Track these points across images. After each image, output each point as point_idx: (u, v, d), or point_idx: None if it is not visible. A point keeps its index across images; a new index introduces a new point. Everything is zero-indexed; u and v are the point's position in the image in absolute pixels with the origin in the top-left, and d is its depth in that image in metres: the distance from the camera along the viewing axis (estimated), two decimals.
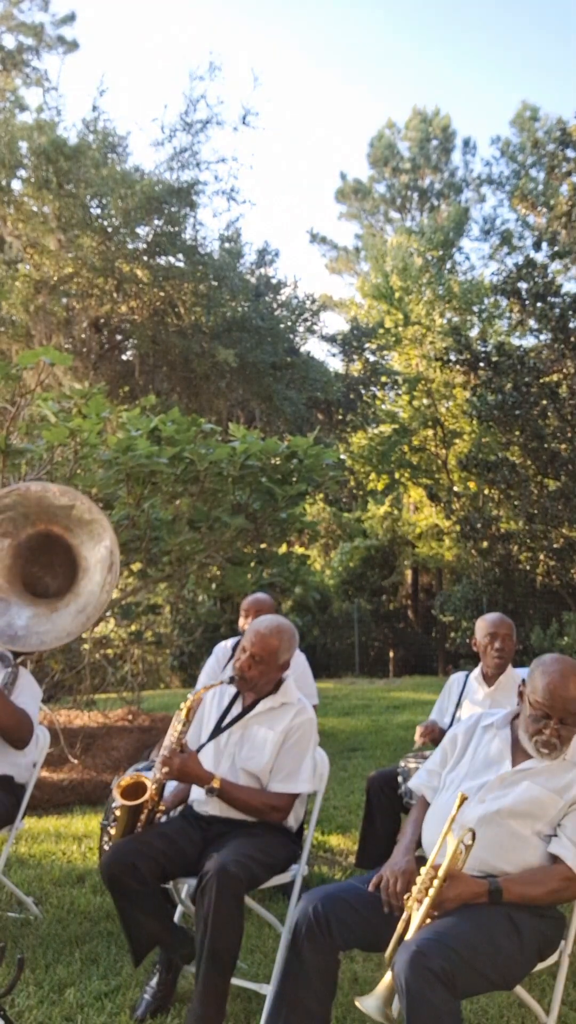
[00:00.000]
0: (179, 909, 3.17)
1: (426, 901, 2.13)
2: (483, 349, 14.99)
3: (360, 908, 2.33)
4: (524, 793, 2.35)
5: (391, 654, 19.64)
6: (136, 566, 6.43)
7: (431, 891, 2.13)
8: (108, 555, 3.73)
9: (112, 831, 3.34)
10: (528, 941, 2.19)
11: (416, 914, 2.14)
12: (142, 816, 2.91)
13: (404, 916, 2.19)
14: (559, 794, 2.35)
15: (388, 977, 2.08)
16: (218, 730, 3.05)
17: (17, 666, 3.57)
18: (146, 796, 2.88)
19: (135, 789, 2.92)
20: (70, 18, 20.03)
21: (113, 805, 3.30)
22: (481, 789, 2.40)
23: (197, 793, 2.98)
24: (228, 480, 5.81)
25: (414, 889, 2.18)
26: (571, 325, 13.75)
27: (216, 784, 2.84)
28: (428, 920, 2.13)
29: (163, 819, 3.03)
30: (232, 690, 3.13)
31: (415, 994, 1.94)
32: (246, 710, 3.05)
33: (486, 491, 15.60)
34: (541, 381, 13.67)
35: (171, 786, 3.32)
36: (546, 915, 2.31)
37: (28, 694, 3.50)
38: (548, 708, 2.36)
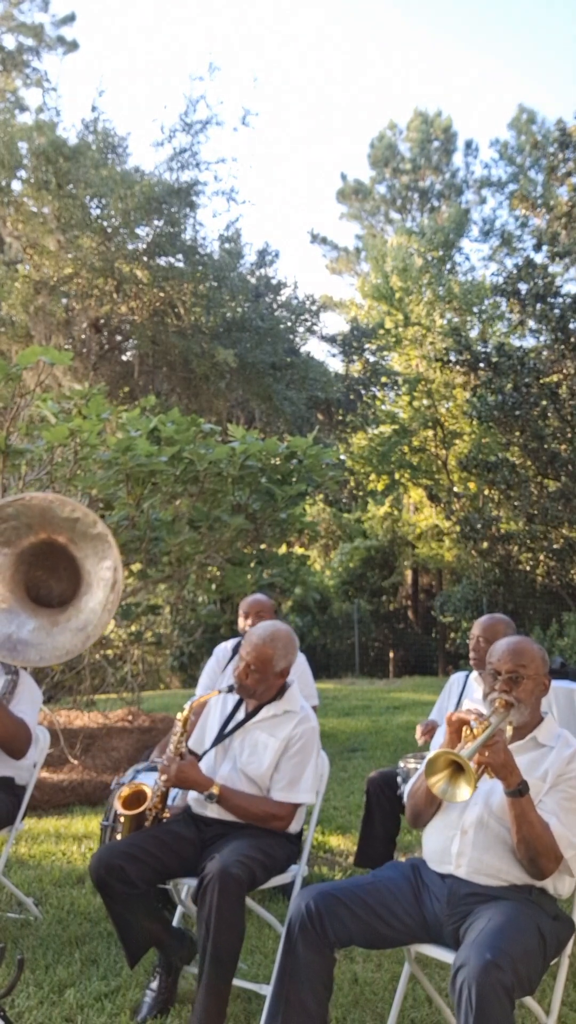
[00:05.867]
0: (179, 910, 3.18)
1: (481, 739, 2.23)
2: (483, 350, 14.97)
3: (354, 905, 2.33)
4: None
5: (391, 655, 19.63)
6: (136, 566, 6.42)
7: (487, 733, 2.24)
8: (112, 575, 3.71)
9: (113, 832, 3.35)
10: (548, 946, 2.22)
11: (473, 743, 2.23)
12: (146, 824, 2.91)
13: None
14: (542, 779, 2.38)
15: None
16: (221, 736, 3.05)
17: (17, 672, 3.57)
18: (147, 804, 2.89)
19: (136, 798, 2.94)
20: (70, 18, 20.05)
21: (117, 814, 3.32)
22: (473, 794, 2.41)
23: (195, 794, 2.98)
24: (228, 480, 5.80)
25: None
26: (571, 326, 13.73)
27: (215, 791, 2.83)
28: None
29: None
30: (236, 696, 3.13)
31: (484, 1006, 1.95)
32: (249, 716, 3.05)
33: (486, 492, 15.58)
34: (541, 382, 13.65)
35: (173, 790, 3.33)
36: (560, 917, 2.34)
37: (27, 701, 3.50)
38: (496, 665, 2.49)
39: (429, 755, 2.23)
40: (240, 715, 3.08)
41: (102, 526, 3.73)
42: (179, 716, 2.99)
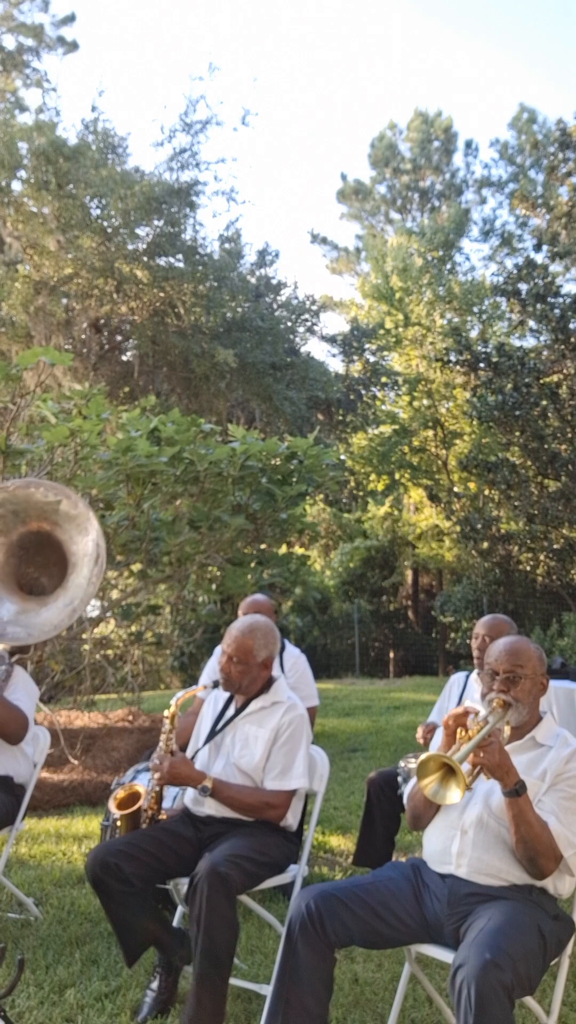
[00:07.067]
0: (179, 910, 3.18)
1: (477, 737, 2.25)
2: (483, 350, 14.98)
3: (354, 905, 2.33)
4: None
5: (391, 655, 19.62)
6: (136, 566, 6.42)
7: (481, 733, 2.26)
8: (95, 548, 3.74)
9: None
10: (548, 946, 2.22)
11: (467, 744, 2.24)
12: (143, 825, 2.91)
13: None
14: (541, 779, 2.38)
15: None
16: (213, 733, 3.06)
17: (12, 664, 3.58)
18: (140, 802, 2.89)
19: (131, 799, 2.94)
20: (70, 19, 20.08)
21: (113, 817, 3.33)
22: (473, 794, 2.42)
23: (192, 794, 2.98)
24: (228, 480, 5.81)
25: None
26: (571, 326, 13.74)
27: (208, 783, 2.84)
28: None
29: None
30: (226, 693, 3.14)
31: (484, 1005, 1.95)
32: (238, 711, 3.07)
33: (486, 492, 15.59)
34: (541, 382, 13.66)
35: (171, 792, 3.33)
36: (560, 917, 2.34)
37: (22, 691, 3.51)
38: (494, 665, 2.49)
39: (422, 757, 2.23)
40: (230, 712, 3.10)
41: (82, 505, 3.76)
42: (166, 713, 3.00)
